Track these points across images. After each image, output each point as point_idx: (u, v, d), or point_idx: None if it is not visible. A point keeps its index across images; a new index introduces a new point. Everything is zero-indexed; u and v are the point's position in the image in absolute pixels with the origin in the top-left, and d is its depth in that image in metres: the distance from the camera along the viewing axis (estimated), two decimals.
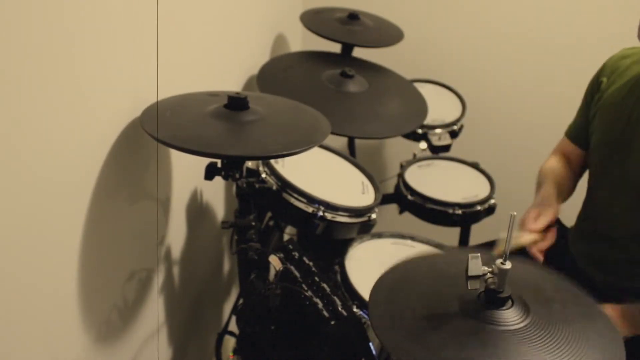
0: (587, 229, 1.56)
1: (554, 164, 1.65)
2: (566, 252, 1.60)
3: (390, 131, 1.87)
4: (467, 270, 0.91)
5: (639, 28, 1.31)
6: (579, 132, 1.61)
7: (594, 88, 1.55)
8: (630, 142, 1.40)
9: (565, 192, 1.60)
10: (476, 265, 0.91)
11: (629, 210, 1.41)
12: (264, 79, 1.82)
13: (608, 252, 1.47)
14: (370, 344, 1.34)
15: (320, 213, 1.44)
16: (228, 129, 1.23)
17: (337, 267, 1.54)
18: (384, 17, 2.20)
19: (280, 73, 1.87)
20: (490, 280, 0.92)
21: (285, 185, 1.46)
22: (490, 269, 0.92)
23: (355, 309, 1.40)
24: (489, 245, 1.60)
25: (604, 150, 1.48)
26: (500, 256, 0.92)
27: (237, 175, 1.35)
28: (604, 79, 1.52)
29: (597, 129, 1.51)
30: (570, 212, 1.65)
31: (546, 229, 1.47)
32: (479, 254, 0.92)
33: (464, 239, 2.03)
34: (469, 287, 0.91)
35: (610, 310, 1.32)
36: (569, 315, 0.95)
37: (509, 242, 0.91)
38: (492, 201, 1.87)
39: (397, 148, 2.48)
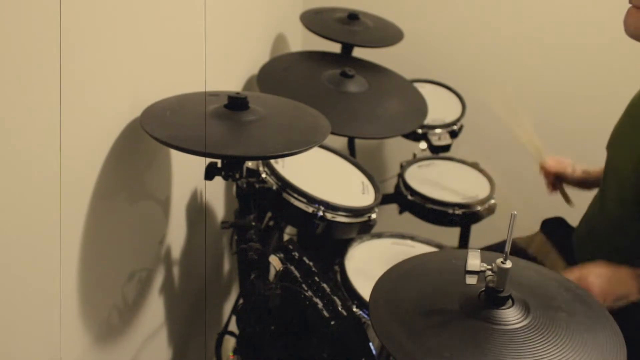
0: (585, 231, 1.56)
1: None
2: (570, 253, 1.60)
3: (390, 131, 1.87)
4: (465, 265, 0.91)
5: (624, 23, 1.28)
6: None
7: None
8: (627, 144, 1.41)
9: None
10: (475, 260, 0.91)
11: (617, 207, 1.42)
12: (264, 79, 1.82)
13: (605, 255, 1.47)
14: (370, 344, 1.34)
15: (320, 213, 1.44)
16: (228, 129, 1.23)
17: (337, 267, 1.54)
18: (384, 17, 2.20)
19: (280, 73, 1.87)
20: (489, 278, 0.92)
21: (285, 185, 1.46)
22: (489, 267, 0.92)
23: (355, 309, 1.40)
24: (494, 249, 1.60)
25: (608, 151, 1.49)
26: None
27: (237, 175, 1.35)
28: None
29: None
30: (574, 212, 1.65)
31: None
32: (478, 250, 0.92)
33: (464, 239, 2.03)
34: (467, 282, 0.91)
35: (623, 271, 1.32)
36: (571, 316, 0.95)
37: (509, 241, 0.91)
38: (492, 201, 1.87)
39: (397, 148, 2.48)
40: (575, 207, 1.65)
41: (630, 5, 1.23)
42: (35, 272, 1.00)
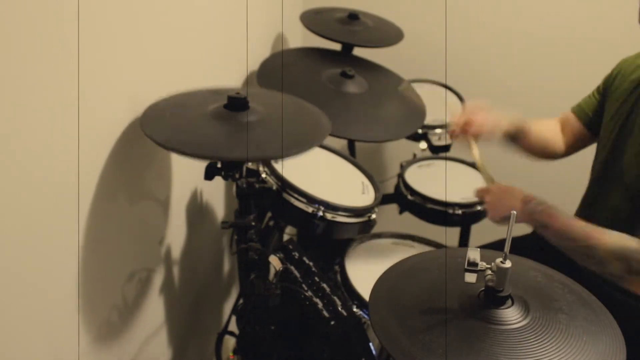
0: None
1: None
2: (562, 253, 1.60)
3: (388, 135, 1.87)
4: (464, 263, 0.91)
5: None
6: (583, 110, 1.63)
7: (609, 82, 1.56)
8: (624, 144, 1.41)
9: (543, 137, 1.67)
10: (474, 259, 0.91)
11: (621, 210, 1.41)
12: (264, 76, 1.82)
13: None
14: (370, 344, 1.34)
15: (320, 213, 1.44)
16: (228, 131, 1.23)
17: (337, 267, 1.54)
18: (384, 17, 2.20)
19: (280, 70, 1.87)
20: (489, 278, 0.92)
21: (285, 185, 1.46)
22: (489, 266, 0.92)
23: (355, 309, 1.40)
24: (493, 246, 1.60)
25: (603, 149, 1.49)
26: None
27: (237, 175, 1.35)
28: (618, 76, 1.53)
29: (602, 127, 1.53)
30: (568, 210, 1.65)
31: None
32: (478, 249, 0.92)
33: (464, 239, 2.03)
34: (466, 280, 0.91)
35: (515, 192, 1.40)
36: (572, 318, 0.95)
37: (508, 241, 0.91)
38: None
39: (397, 148, 2.48)
40: (570, 206, 1.65)
41: None
42: (35, 273, 1.00)
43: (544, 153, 1.70)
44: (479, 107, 1.61)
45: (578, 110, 1.65)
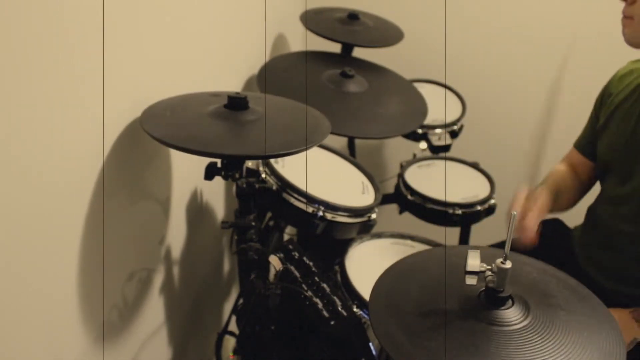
0: (594, 238, 1.55)
1: (560, 170, 1.64)
2: (570, 255, 1.59)
3: (391, 131, 1.87)
4: (465, 265, 0.91)
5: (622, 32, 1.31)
6: (587, 144, 1.61)
7: (604, 100, 1.53)
8: (635, 155, 1.40)
9: (564, 200, 1.59)
10: (475, 260, 0.91)
11: (633, 222, 1.41)
12: (264, 79, 1.82)
13: (615, 260, 1.46)
14: (370, 344, 1.34)
15: (320, 213, 1.44)
16: (228, 129, 1.23)
17: (337, 267, 1.54)
18: (384, 17, 2.20)
19: (280, 73, 1.87)
20: (489, 278, 0.92)
21: (285, 185, 1.46)
22: (489, 267, 0.92)
23: (355, 309, 1.40)
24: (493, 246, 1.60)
25: (610, 161, 1.48)
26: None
27: (237, 175, 1.35)
28: (613, 92, 1.51)
29: (604, 139, 1.51)
30: (571, 213, 1.65)
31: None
32: (478, 250, 0.92)
33: (464, 239, 2.03)
34: (467, 282, 0.91)
35: (621, 314, 1.32)
36: (570, 314, 0.95)
37: (508, 241, 0.91)
38: (492, 201, 1.87)
39: (397, 148, 2.48)
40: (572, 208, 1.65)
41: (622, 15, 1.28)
42: (35, 272, 1.00)
43: (576, 200, 1.66)
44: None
45: (582, 148, 1.62)
